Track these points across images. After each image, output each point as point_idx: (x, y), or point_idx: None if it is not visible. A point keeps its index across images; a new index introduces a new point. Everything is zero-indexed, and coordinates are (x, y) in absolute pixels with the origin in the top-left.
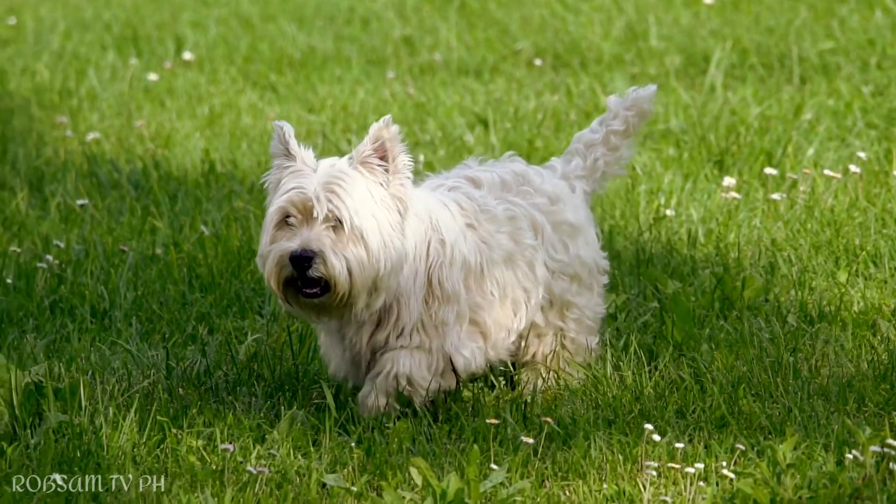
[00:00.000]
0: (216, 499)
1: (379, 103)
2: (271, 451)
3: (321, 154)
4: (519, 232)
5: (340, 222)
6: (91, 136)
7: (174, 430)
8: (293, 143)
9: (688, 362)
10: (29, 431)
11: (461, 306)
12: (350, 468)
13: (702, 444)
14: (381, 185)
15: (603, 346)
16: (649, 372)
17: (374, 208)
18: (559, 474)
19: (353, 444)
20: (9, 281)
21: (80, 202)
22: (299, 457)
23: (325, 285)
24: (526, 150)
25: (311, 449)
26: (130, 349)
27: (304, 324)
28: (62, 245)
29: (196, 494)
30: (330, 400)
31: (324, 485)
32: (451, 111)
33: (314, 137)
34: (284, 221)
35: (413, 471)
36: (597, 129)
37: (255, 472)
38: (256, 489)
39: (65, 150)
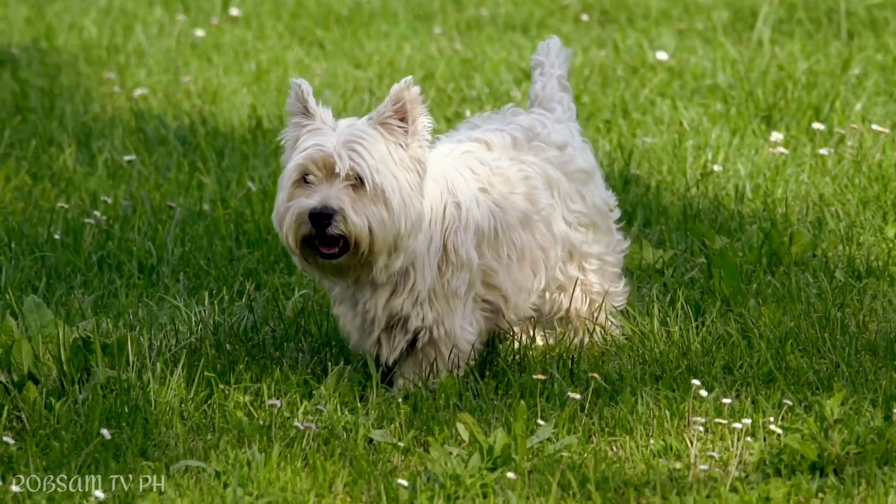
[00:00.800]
0: (263, 454)
1: (426, 59)
2: (318, 406)
3: (368, 110)
4: (534, 192)
5: (361, 181)
6: (138, 91)
7: (221, 386)
8: (312, 101)
9: (735, 318)
10: (77, 387)
11: (472, 275)
12: (397, 424)
13: (749, 399)
14: (401, 146)
15: (650, 302)
16: (696, 327)
17: (395, 168)
18: (606, 430)
19: (399, 400)
20: (57, 237)
21: (127, 158)
22: (346, 412)
23: (345, 245)
24: None
25: (359, 404)
26: (178, 305)
27: None
28: (110, 201)
29: (243, 450)
30: (371, 365)
31: (371, 440)
32: (497, 67)
33: (361, 93)
34: (302, 179)
35: (460, 426)
36: (543, 79)
37: (302, 427)
38: (303, 444)
39: (112, 106)
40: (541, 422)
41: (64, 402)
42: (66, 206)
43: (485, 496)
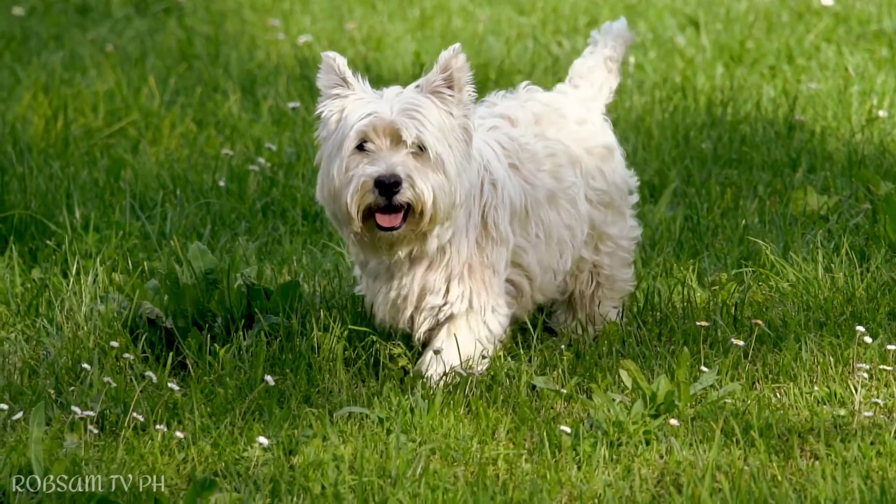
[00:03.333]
0: (426, 400)
1: (590, 5)
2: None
3: (532, 57)
4: (559, 169)
5: (421, 149)
6: (303, 39)
7: None
8: (349, 72)
9: None
10: (241, 333)
11: (509, 253)
12: (560, 370)
13: None
14: (451, 114)
15: (814, 248)
16: (861, 274)
17: (448, 136)
18: (770, 377)
19: (562, 347)
20: (222, 184)
21: (291, 105)
22: (509, 359)
23: (405, 215)
24: (737, 51)
25: (521, 351)
26: (342, 252)
27: None
28: (274, 148)
29: (406, 396)
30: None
31: (533, 387)
32: (661, 12)
33: (524, 40)
34: (359, 147)
35: (623, 373)
36: (589, 56)
37: (465, 374)
38: (466, 391)
39: (277, 53)
40: (704, 368)
41: (228, 349)
42: (231, 152)
43: (647, 443)
